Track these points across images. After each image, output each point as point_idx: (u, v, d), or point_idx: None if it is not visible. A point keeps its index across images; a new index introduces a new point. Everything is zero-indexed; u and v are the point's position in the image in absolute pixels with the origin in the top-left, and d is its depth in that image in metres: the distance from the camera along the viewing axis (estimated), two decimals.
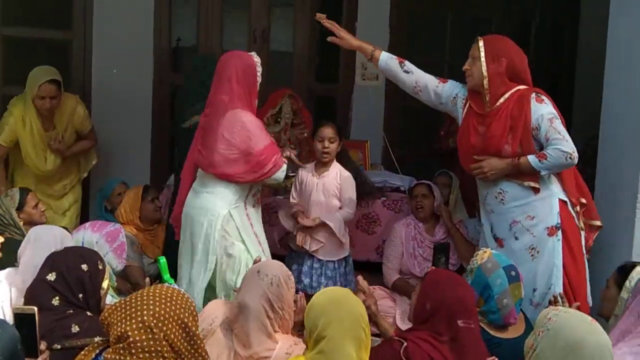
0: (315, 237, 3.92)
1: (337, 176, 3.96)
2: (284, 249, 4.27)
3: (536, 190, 3.40)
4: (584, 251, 3.49)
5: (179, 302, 2.22)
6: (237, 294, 2.75)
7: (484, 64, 3.39)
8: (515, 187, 3.43)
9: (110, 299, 3.19)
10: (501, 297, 2.88)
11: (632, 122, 3.62)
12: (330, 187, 3.94)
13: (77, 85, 5.35)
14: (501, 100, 3.42)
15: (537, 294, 3.38)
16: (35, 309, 2.37)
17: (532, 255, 3.40)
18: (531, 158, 3.32)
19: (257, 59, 3.59)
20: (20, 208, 3.81)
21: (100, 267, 2.66)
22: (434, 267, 3.17)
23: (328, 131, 3.92)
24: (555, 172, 3.38)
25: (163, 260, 3.22)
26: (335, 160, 3.99)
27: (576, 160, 3.28)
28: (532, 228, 3.41)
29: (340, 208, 3.95)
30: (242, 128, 3.48)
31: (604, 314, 2.99)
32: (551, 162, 3.29)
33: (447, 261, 3.70)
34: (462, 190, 4.78)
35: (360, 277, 3.10)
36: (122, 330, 2.14)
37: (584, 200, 3.48)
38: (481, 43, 3.42)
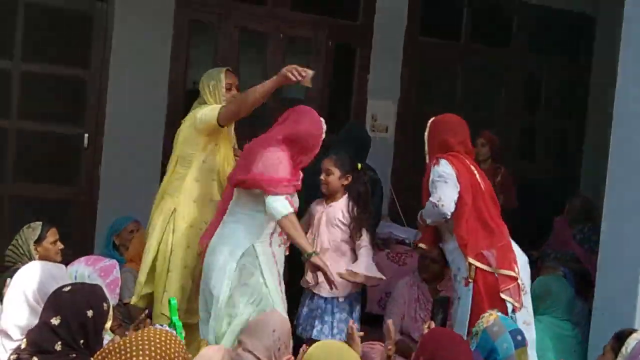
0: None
1: (343, 206, 3.87)
2: None
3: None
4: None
5: (172, 344, 2.24)
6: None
7: (426, 142, 3.84)
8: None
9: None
10: None
11: (638, 184, 3.62)
12: (332, 217, 3.86)
13: (91, 124, 5.43)
14: None
15: None
16: None
17: (457, 300, 3.66)
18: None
19: (324, 127, 3.57)
20: (38, 241, 3.77)
21: (105, 307, 2.61)
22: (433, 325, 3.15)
23: (324, 162, 3.91)
24: (435, 220, 3.67)
25: (174, 301, 3.21)
26: (346, 194, 3.90)
27: (443, 209, 3.56)
28: (459, 275, 3.66)
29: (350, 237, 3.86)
30: (274, 162, 3.44)
31: None
32: (425, 210, 3.69)
33: (445, 316, 3.66)
34: None
35: (352, 322, 3.07)
36: None
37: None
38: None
